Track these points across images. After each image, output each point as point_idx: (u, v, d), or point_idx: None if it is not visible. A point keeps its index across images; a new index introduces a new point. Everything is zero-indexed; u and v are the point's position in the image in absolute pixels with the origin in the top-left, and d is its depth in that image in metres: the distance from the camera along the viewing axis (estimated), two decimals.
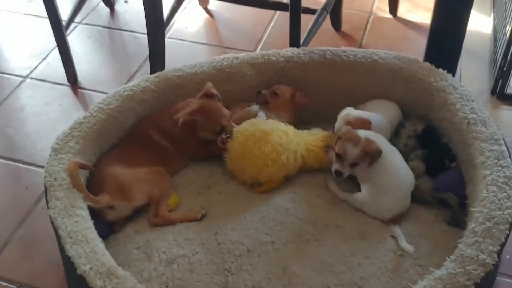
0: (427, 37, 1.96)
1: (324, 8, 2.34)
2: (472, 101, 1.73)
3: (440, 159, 1.76)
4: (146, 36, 2.21)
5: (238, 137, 1.70)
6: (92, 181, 1.67)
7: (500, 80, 2.22)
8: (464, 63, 2.45)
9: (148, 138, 1.78)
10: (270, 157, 1.67)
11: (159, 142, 1.78)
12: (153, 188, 1.64)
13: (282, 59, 1.98)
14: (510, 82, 2.24)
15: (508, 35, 2.16)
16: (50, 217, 1.47)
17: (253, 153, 1.67)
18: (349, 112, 1.78)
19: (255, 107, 1.87)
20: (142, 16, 2.14)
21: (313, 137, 1.78)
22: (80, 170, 1.61)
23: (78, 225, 1.44)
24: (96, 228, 1.53)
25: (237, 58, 1.99)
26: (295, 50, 2.01)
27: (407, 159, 1.79)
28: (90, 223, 1.49)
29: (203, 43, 2.62)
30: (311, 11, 2.35)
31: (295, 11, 2.03)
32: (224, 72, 1.94)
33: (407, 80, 1.88)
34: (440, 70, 1.85)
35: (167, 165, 1.77)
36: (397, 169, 1.65)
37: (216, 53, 2.54)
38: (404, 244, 1.55)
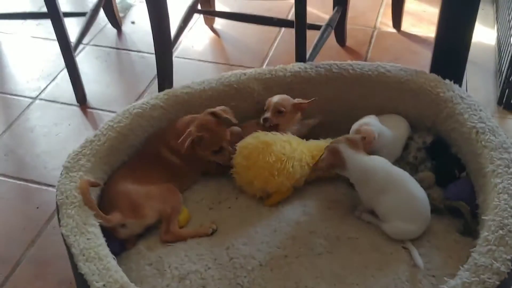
0: (433, 49, 1.97)
1: (328, 24, 2.37)
2: (480, 110, 1.73)
3: (449, 169, 1.76)
4: (153, 56, 2.24)
5: (243, 152, 1.72)
6: (103, 199, 1.68)
7: (507, 90, 2.23)
8: (470, 75, 2.47)
9: (159, 155, 1.79)
10: (275, 167, 1.68)
11: (169, 159, 1.79)
12: (164, 205, 1.65)
13: (289, 74, 2.00)
14: None
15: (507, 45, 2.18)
16: (62, 235, 1.48)
17: (258, 165, 1.69)
18: (367, 122, 1.77)
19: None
20: (149, 37, 2.17)
21: (318, 143, 1.80)
22: (92, 188, 1.62)
23: (91, 242, 1.44)
24: (108, 245, 1.54)
25: (244, 74, 2.01)
26: (301, 65, 2.03)
27: (417, 171, 1.80)
28: (102, 240, 1.49)
29: (210, 61, 2.66)
30: (316, 27, 2.38)
31: (301, 27, 2.05)
32: (232, 88, 1.96)
33: (414, 91, 1.88)
34: (447, 81, 1.86)
35: (178, 182, 1.78)
36: (412, 194, 1.61)
37: (223, 71, 2.55)
38: (417, 257, 1.54)
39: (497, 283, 1.34)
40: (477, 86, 2.40)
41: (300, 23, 2.04)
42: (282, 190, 1.71)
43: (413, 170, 1.80)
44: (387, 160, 1.70)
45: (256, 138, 1.74)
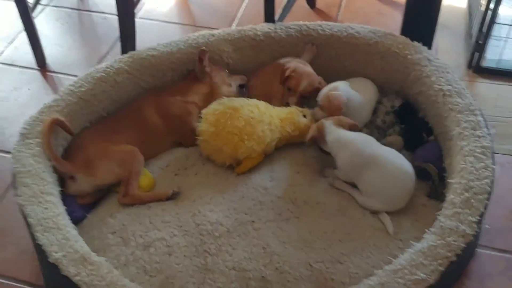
0: (403, 11, 1.94)
1: None
2: (447, 72, 1.72)
3: (417, 133, 1.75)
4: (116, 17, 2.14)
5: (209, 118, 1.66)
6: (68, 150, 1.65)
7: (477, 54, 2.21)
8: (440, 38, 2.44)
9: (140, 115, 1.75)
10: (245, 131, 1.64)
11: (150, 119, 1.74)
12: (121, 168, 1.61)
13: (260, 33, 1.95)
14: (486, 55, 2.23)
15: (483, 8, 2.15)
16: (18, 204, 1.42)
17: (227, 130, 1.64)
18: (336, 85, 1.74)
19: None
20: None
21: (282, 109, 1.76)
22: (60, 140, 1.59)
23: (48, 211, 1.40)
24: (69, 211, 1.50)
25: (213, 35, 1.95)
26: (271, 25, 1.98)
27: (385, 135, 1.79)
28: (61, 209, 1.44)
29: (175, 23, 2.56)
30: None
31: None
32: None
33: (382, 54, 1.86)
34: (415, 43, 1.84)
35: (152, 147, 1.74)
36: (394, 169, 1.58)
37: (189, 32, 2.47)
38: (388, 224, 1.53)
39: (463, 245, 1.35)
40: (447, 49, 2.37)
41: None
42: (253, 155, 1.67)
43: (381, 134, 1.79)
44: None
45: (222, 104, 1.69)
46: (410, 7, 1.90)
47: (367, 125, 1.79)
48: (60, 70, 2.31)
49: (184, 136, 1.78)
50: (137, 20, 2.49)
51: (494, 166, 1.47)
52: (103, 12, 2.60)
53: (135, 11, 2.49)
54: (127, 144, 1.67)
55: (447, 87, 1.67)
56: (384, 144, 1.72)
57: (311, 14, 2.57)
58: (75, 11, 2.63)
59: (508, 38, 2.26)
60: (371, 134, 1.73)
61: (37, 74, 2.29)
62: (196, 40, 1.91)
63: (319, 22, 1.95)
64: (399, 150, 1.74)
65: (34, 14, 2.33)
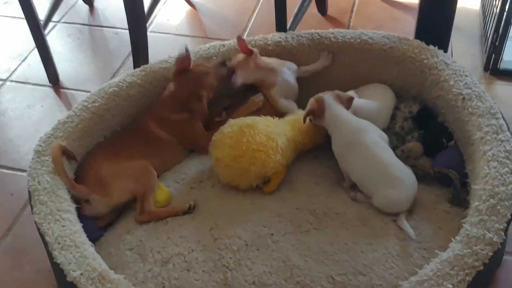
0: (417, 15, 1.90)
1: None
2: (466, 76, 1.68)
3: (437, 138, 1.71)
4: (127, 31, 2.13)
5: (226, 142, 1.59)
6: (78, 172, 1.63)
7: (493, 55, 2.17)
8: (455, 41, 2.40)
9: (147, 131, 1.73)
10: (270, 146, 1.58)
11: (157, 133, 1.73)
12: (136, 185, 1.58)
13: (270, 43, 1.92)
14: (503, 56, 2.19)
15: (497, 9, 2.11)
16: (35, 223, 1.40)
17: (251, 149, 1.57)
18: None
19: (257, 96, 1.80)
20: (122, 12, 2.06)
21: (288, 117, 1.73)
22: (70, 162, 1.58)
23: (66, 229, 1.38)
24: (86, 231, 1.47)
25: (223, 45, 1.93)
26: (282, 34, 1.96)
27: (404, 141, 1.75)
28: (78, 226, 1.42)
29: (186, 35, 2.55)
30: None
31: None
32: (211, 60, 1.88)
33: (398, 59, 1.82)
34: (431, 46, 1.80)
35: (162, 159, 1.72)
36: (380, 158, 1.56)
37: (201, 44, 2.47)
38: (407, 227, 1.49)
39: (490, 254, 1.30)
40: (463, 52, 2.34)
41: None
42: (280, 170, 1.62)
43: (400, 140, 1.75)
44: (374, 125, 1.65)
45: (236, 124, 1.62)
46: (424, 10, 1.87)
47: (385, 131, 1.75)
48: (73, 86, 2.30)
49: (194, 143, 1.76)
50: (148, 33, 2.49)
51: None
52: (114, 27, 2.60)
53: (147, 25, 2.50)
54: (140, 159, 1.65)
55: (466, 91, 1.63)
56: (403, 151, 1.69)
57: (323, 22, 2.55)
58: (86, 26, 2.64)
59: None
60: (390, 140, 1.70)
61: (50, 91, 2.29)
62: (207, 51, 1.90)
63: (331, 30, 1.93)
64: (419, 157, 1.71)
65: (45, 31, 2.34)
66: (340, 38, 1.90)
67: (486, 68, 2.21)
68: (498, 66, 2.17)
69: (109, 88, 1.77)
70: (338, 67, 1.92)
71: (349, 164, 1.60)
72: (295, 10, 2.20)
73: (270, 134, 1.60)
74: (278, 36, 1.95)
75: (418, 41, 1.83)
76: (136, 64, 2.19)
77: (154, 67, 1.85)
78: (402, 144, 1.73)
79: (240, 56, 1.80)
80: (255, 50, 1.81)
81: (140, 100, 1.81)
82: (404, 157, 1.68)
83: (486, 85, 2.15)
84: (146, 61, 2.21)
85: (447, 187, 1.62)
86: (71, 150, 1.60)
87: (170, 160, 1.75)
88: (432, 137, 1.72)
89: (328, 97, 1.63)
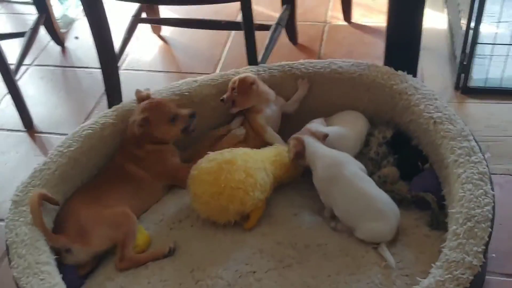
0: (385, 40, 1.94)
1: (278, 23, 2.31)
2: (435, 99, 1.70)
3: (412, 162, 1.73)
4: (100, 70, 2.14)
5: (204, 178, 1.58)
6: (57, 220, 1.61)
7: (462, 75, 2.21)
8: (424, 62, 2.43)
9: (124, 172, 1.72)
10: (248, 183, 1.58)
11: (136, 174, 1.72)
12: (116, 232, 1.56)
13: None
14: (473, 75, 2.23)
15: (464, 28, 2.16)
16: (13, 277, 1.38)
17: (230, 186, 1.56)
18: (308, 126, 1.73)
19: (239, 130, 1.82)
20: (94, 51, 2.08)
21: (269, 150, 1.74)
22: (48, 210, 1.55)
23: (45, 283, 1.35)
24: (67, 281, 1.45)
25: (196, 81, 1.94)
26: (254, 68, 1.98)
27: (379, 167, 1.76)
28: (58, 278, 1.40)
29: (160, 71, 2.57)
30: (265, 28, 2.31)
31: (249, 28, 1.98)
32: (184, 96, 1.89)
33: (368, 86, 1.84)
34: (400, 72, 1.83)
35: (142, 199, 1.72)
36: (363, 190, 1.57)
37: (175, 80, 2.47)
38: (388, 256, 1.49)
39: (471, 277, 1.31)
40: (433, 73, 2.38)
41: (247, 26, 1.97)
42: (259, 205, 1.61)
43: (375, 166, 1.76)
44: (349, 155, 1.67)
45: (214, 160, 1.61)
46: (390, 36, 1.90)
47: (359, 158, 1.76)
48: (48, 129, 2.29)
49: (171, 177, 1.75)
50: (121, 72, 2.51)
51: (493, 192, 1.44)
52: (87, 67, 2.60)
53: (119, 63, 2.51)
54: (119, 203, 1.64)
55: (437, 114, 1.65)
56: (379, 177, 1.70)
57: (294, 51, 2.58)
58: (59, 68, 2.64)
59: (492, 55, 2.26)
60: (365, 166, 1.71)
61: (24, 136, 2.27)
62: (179, 87, 1.91)
63: (301, 61, 1.95)
64: (396, 181, 1.72)
65: (18, 75, 2.34)
66: (311, 68, 1.92)
67: (457, 87, 2.25)
68: (468, 85, 2.21)
69: (83, 131, 1.76)
70: (310, 96, 1.93)
71: (331, 198, 1.60)
72: (266, 42, 2.22)
73: (249, 170, 1.60)
74: (250, 69, 1.96)
75: (386, 67, 1.86)
76: (110, 104, 2.20)
77: (126, 106, 1.85)
78: (378, 170, 1.75)
79: (246, 82, 1.82)
80: (255, 78, 1.84)
81: (115, 140, 1.80)
82: (381, 183, 1.69)
83: (458, 104, 2.19)
84: (120, 100, 2.21)
85: (425, 211, 1.63)
86: (51, 195, 1.58)
87: (149, 199, 1.74)
88: (407, 161, 1.74)
89: (306, 137, 1.65)
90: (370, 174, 1.69)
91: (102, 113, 1.84)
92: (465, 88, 2.22)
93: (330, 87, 1.91)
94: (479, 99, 2.19)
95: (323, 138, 1.67)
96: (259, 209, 1.61)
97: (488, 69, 2.23)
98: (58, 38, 2.71)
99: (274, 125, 1.88)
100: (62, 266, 1.51)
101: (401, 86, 1.78)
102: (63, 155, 1.68)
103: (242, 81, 1.82)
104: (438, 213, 1.59)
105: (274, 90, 1.93)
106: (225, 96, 1.84)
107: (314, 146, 1.63)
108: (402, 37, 1.89)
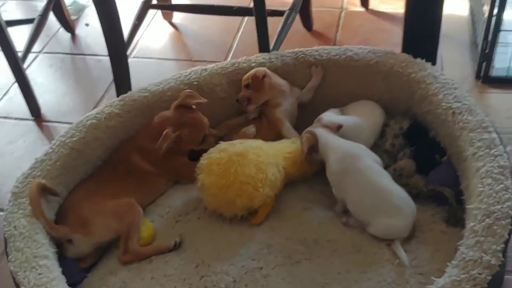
0: (403, 27, 1.85)
1: (291, 9, 2.23)
2: (455, 89, 1.61)
3: (429, 155, 1.64)
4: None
5: (214, 169, 1.52)
6: (60, 212, 1.57)
7: (484, 63, 2.11)
8: (445, 49, 2.34)
9: (129, 163, 1.67)
10: (258, 178, 1.51)
11: (141, 166, 1.67)
12: (119, 223, 1.52)
13: (254, 65, 1.87)
14: (494, 64, 2.13)
15: (486, 15, 2.05)
16: (11, 272, 1.34)
17: (239, 180, 1.50)
18: (322, 116, 1.67)
19: (251, 128, 1.74)
20: None
21: (284, 145, 1.66)
22: (50, 202, 1.52)
23: (42, 277, 1.31)
24: (68, 275, 1.41)
25: (205, 70, 1.88)
26: (266, 55, 1.90)
27: (395, 159, 1.68)
28: (56, 272, 1.35)
29: (170, 59, 2.50)
30: (279, 13, 2.23)
31: (261, 14, 1.91)
32: (193, 85, 1.82)
33: (384, 74, 1.76)
34: (418, 60, 1.74)
35: (147, 192, 1.67)
36: (377, 184, 1.50)
37: (186, 68, 2.40)
38: (402, 254, 1.42)
39: (489, 277, 1.23)
40: (453, 61, 2.28)
41: (259, 11, 1.90)
42: (267, 201, 1.55)
43: (391, 158, 1.68)
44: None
45: (225, 151, 1.55)
46: (409, 22, 1.81)
47: (374, 150, 1.69)
48: (56, 118, 2.25)
49: (178, 174, 1.70)
50: (131, 59, 2.47)
51: None
52: (97, 55, 2.55)
53: (129, 51, 2.46)
54: (123, 195, 1.59)
55: (456, 105, 1.56)
56: (395, 170, 1.62)
57: (309, 38, 2.50)
58: (68, 55, 2.59)
59: None
60: (380, 159, 1.64)
61: (32, 125, 2.24)
62: (188, 76, 1.84)
63: (315, 48, 1.87)
64: (412, 175, 1.64)
65: (26, 63, 2.30)
66: (325, 55, 1.84)
67: (477, 76, 2.15)
68: (489, 74, 2.12)
69: (87, 120, 1.72)
70: (325, 85, 1.86)
71: (345, 192, 1.53)
72: (279, 29, 2.14)
73: (260, 164, 1.53)
74: (261, 57, 1.89)
75: (404, 54, 1.78)
76: (118, 93, 2.14)
77: (133, 96, 1.79)
78: (393, 162, 1.67)
79: (258, 77, 1.76)
80: (266, 71, 1.77)
81: (120, 131, 1.75)
82: (397, 176, 1.61)
83: (479, 94, 2.10)
84: (128, 88, 2.16)
85: (442, 206, 1.56)
86: (51, 187, 1.54)
87: (154, 192, 1.69)
88: (424, 153, 1.66)
89: (317, 129, 1.58)
90: (386, 166, 1.62)
91: (109, 102, 1.79)
92: (486, 77, 2.12)
93: (345, 75, 1.83)
94: (501, 89, 2.09)
95: (336, 129, 1.61)
96: (267, 205, 1.55)
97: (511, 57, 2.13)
98: (68, 25, 2.66)
99: (292, 117, 1.82)
100: (63, 260, 1.47)
101: (419, 74, 1.70)
102: (66, 146, 1.64)
103: (254, 76, 1.75)
104: (456, 208, 1.52)
105: (287, 78, 1.87)
106: (239, 95, 1.78)
107: (327, 138, 1.57)
108: (421, 24, 1.80)
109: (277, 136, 1.75)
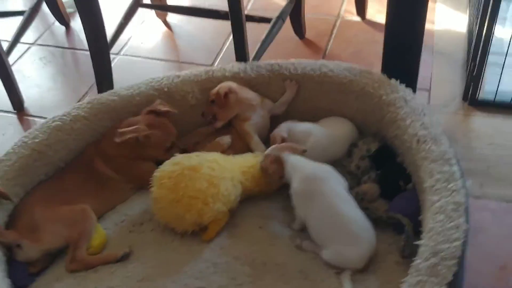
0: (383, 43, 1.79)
1: (279, 17, 2.18)
2: (424, 115, 1.56)
3: (394, 180, 1.59)
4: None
5: (165, 183, 1.49)
6: (14, 214, 1.56)
7: (471, 85, 2.04)
8: (437, 66, 2.28)
9: (91, 168, 1.66)
10: (209, 194, 1.48)
11: (103, 171, 1.66)
12: (70, 231, 1.50)
13: (228, 74, 1.84)
14: (484, 85, 2.06)
15: (475, 34, 1.98)
16: None
17: (188, 195, 1.47)
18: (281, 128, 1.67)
19: (226, 138, 1.71)
20: None
21: (245, 158, 1.63)
22: (4, 205, 1.51)
23: None
24: (15, 279, 1.41)
25: (178, 76, 1.85)
26: (242, 65, 1.87)
27: (359, 182, 1.64)
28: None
29: (159, 59, 2.48)
30: (266, 20, 2.20)
31: (236, 21, 1.86)
32: (163, 92, 1.80)
33: (357, 93, 1.71)
34: (392, 81, 1.69)
35: (108, 198, 1.66)
36: (340, 211, 1.45)
37: (173, 69, 2.41)
38: (347, 284, 1.38)
39: None
40: (444, 79, 2.21)
41: (234, 17, 1.86)
42: (219, 217, 1.52)
43: (355, 180, 1.64)
44: (330, 169, 1.55)
45: (179, 164, 1.52)
46: (388, 38, 1.74)
47: (339, 170, 1.64)
48: (38, 113, 2.26)
49: (142, 182, 1.66)
50: (120, 57, 2.45)
51: (467, 226, 1.30)
52: (87, 50, 2.54)
53: (119, 48, 2.45)
54: (80, 200, 1.58)
55: (422, 132, 1.51)
56: (357, 193, 1.58)
57: (300, 46, 2.45)
58: (60, 49, 2.59)
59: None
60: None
61: (13, 118, 2.24)
62: (159, 82, 1.82)
63: (292, 60, 1.83)
64: (375, 199, 1.59)
65: (18, 54, 2.30)
66: (300, 69, 1.80)
67: (465, 98, 2.08)
68: (477, 97, 2.04)
69: (52, 122, 1.71)
70: (298, 99, 1.82)
71: (306, 213, 1.49)
72: (263, 37, 2.10)
73: (212, 179, 1.50)
74: (237, 66, 1.86)
75: (379, 74, 1.72)
76: (99, 91, 2.15)
77: (101, 99, 1.78)
78: (357, 185, 1.62)
79: (220, 94, 1.72)
80: (231, 87, 1.73)
81: (86, 134, 1.74)
82: (359, 200, 1.57)
83: (464, 117, 2.03)
84: (110, 86, 2.16)
85: (402, 235, 1.50)
86: (3, 189, 1.53)
87: (115, 199, 1.68)
88: (389, 179, 1.61)
89: (284, 154, 1.55)
90: (349, 189, 1.58)
91: (76, 104, 1.78)
92: (473, 100, 2.04)
93: (320, 91, 1.79)
94: (487, 113, 2.02)
95: (301, 153, 1.57)
96: (219, 221, 1.52)
97: (502, 80, 2.04)
98: (63, 17, 2.66)
99: (263, 130, 1.79)
100: (13, 263, 1.48)
101: (390, 97, 1.64)
102: (27, 147, 1.63)
103: (217, 94, 1.72)
104: (412, 239, 1.46)
105: (262, 89, 1.83)
106: (204, 110, 1.76)
107: (293, 161, 1.53)
108: (401, 40, 1.73)
109: (248, 150, 1.73)
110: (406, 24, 1.70)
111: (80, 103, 1.79)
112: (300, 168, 1.53)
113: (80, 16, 2.01)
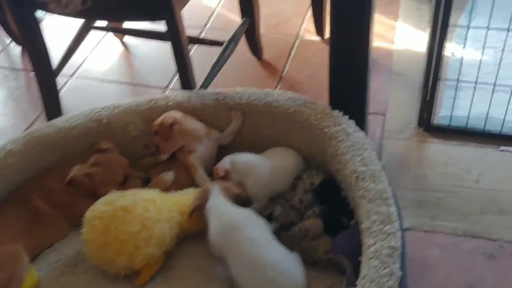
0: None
1: (231, 40, 2.13)
2: (365, 149, 1.50)
3: (336, 216, 1.54)
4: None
5: (96, 225, 1.43)
6: None
7: (426, 110, 1.99)
8: (394, 89, 2.24)
9: (28, 204, 1.60)
10: (140, 237, 1.42)
11: (41, 208, 1.60)
12: (0, 274, 1.44)
13: (171, 104, 1.78)
14: (440, 111, 2.01)
15: (426, 57, 1.92)
16: None
17: (119, 239, 1.41)
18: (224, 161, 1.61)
19: (169, 175, 1.65)
20: (55, 54, 1.98)
21: (184, 197, 1.56)
22: None
23: None
24: None
25: (118, 106, 1.79)
26: (186, 93, 1.81)
27: (302, 217, 1.58)
28: None
29: (113, 81, 2.42)
30: (220, 44, 2.14)
31: (176, 44, 1.80)
32: (102, 123, 1.74)
33: (301, 124, 1.66)
34: (336, 112, 1.63)
35: (45, 236, 1.60)
36: (258, 262, 1.37)
37: (125, 93, 2.35)
38: None
39: None
40: (401, 103, 2.16)
41: (175, 44, 1.79)
42: (153, 261, 1.46)
43: (298, 215, 1.58)
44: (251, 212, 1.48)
45: (111, 204, 1.46)
46: (334, 74, 1.68)
47: (282, 205, 1.59)
48: None
49: (80, 220, 1.61)
50: (73, 80, 2.40)
51: (400, 273, 1.24)
52: None
53: (72, 71, 2.39)
54: (13, 240, 1.51)
55: (361, 169, 1.45)
56: (300, 230, 1.52)
57: (257, 68, 2.39)
58: (12, 71, 2.52)
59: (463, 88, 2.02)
60: (286, 215, 1.55)
61: None
62: (98, 113, 1.76)
63: (237, 89, 1.77)
64: (318, 236, 1.54)
65: None
66: (245, 99, 1.75)
67: (420, 123, 2.03)
68: (431, 122, 1.99)
69: None
70: (244, 129, 1.77)
71: (224, 261, 1.42)
72: (212, 62, 2.05)
73: (146, 221, 1.44)
74: (181, 95, 1.80)
75: (323, 105, 1.67)
76: (49, 117, 2.09)
77: (37, 132, 1.72)
78: (300, 220, 1.57)
79: (164, 125, 1.67)
80: (175, 118, 1.67)
81: (23, 168, 1.67)
82: (301, 237, 1.51)
83: (418, 143, 1.98)
84: (58, 113, 2.10)
85: (343, 275, 1.45)
86: None
87: (52, 237, 1.62)
88: (332, 214, 1.55)
89: (214, 188, 1.50)
90: (291, 224, 1.53)
91: (13, 138, 1.72)
92: (428, 126, 1.99)
93: (265, 121, 1.74)
94: (442, 139, 1.96)
95: (234, 196, 1.51)
96: (153, 265, 1.46)
97: (457, 105, 2.00)
98: (17, 38, 2.59)
99: (209, 161, 1.73)
100: None
101: (333, 129, 1.59)
102: None
103: (161, 124, 1.66)
104: (354, 282, 1.41)
105: (207, 119, 1.78)
106: (147, 142, 1.69)
107: (215, 202, 1.47)
108: (346, 80, 1.67)
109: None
110: (350, 41, 1.62)
111: (17, 136, 1.72)
112: (217, 215, 1.45)
113: (24, 44, 1.95)
